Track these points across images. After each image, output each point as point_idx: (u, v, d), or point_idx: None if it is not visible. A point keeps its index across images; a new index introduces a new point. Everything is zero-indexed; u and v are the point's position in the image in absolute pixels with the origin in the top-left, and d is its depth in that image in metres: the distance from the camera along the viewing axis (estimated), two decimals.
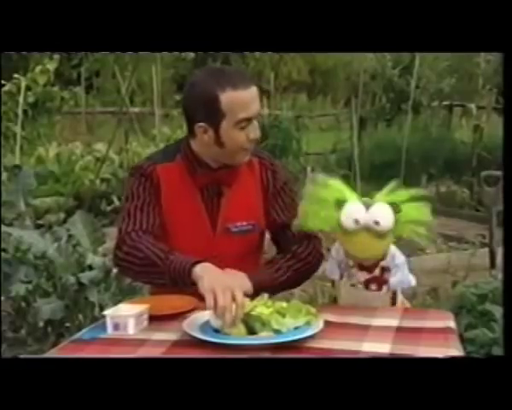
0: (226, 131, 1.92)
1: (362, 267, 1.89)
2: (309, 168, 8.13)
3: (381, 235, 1.79)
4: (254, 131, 1.93)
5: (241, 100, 1.88)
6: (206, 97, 1.90)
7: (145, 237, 1.94)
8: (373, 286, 1.89)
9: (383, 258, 1.88)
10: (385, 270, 1.89)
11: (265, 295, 1.87)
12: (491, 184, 4.87)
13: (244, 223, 2.01)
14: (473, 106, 10.01)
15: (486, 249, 4.97)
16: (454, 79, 11.60)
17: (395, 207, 1.80)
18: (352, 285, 1.90)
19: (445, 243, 6.35)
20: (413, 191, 1.82)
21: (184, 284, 1.84)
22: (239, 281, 1.82)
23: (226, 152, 1.96)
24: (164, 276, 1.88)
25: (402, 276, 1.90)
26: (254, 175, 2.06)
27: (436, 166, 9.17)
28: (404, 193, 1.83)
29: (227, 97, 1.88)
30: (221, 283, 1.70)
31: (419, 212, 1.81)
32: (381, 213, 1.79)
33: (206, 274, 1.78)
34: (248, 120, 1.91)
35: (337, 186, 1.86)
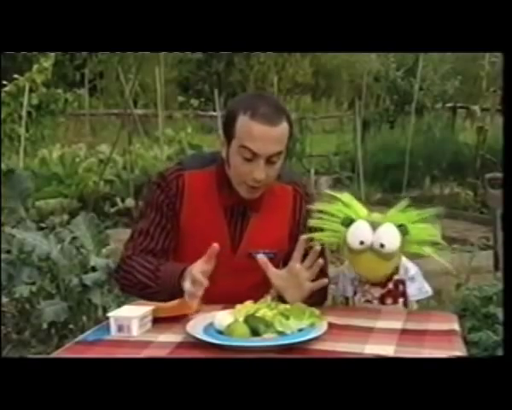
0: (233, 154, 1.88)
1: (374, 283, 1.87)
2: (312, 170, 8.13)
3: (386, 257, 1.77)
4: (259, 172, 1.84)
5: (251, 130, 1.82)
6: (229, 113, 1.91)
7: (136, 259, 1.95)
8: (388, 300, 1.87)
9: (394, 273, 1.86)
10: (399, 283, 1.87)
11: (268, 298, 1.87)
12: (495, 187, 4.86)
13: (267, 250, 1.95)
14: (477, 108, 10.01)
15: (490, 252, 4.96)
16: (458, 81, 11.60)
17: (403, 230, 1.77)
18: (367, 301, 1.89)
19: (448, 245, 6.34)
20: (423, 212, 1.79)
21: (178, 294, 1.83)
22: None
23: (232, 177, 1.92)
24: (160, 294, 1.89)
25: (419, 285, 1.88)
26: (287, 203, 2.01)
27: (440, 168, 9.17)
28: (414, 214, 1.80)
29: (242, 121, 1.84)
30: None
31: (428, 233, 1.79)
32: (386, 235, 1.76)
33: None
34: (252, 153, 1.83)
35: (347, 202, 1.83)
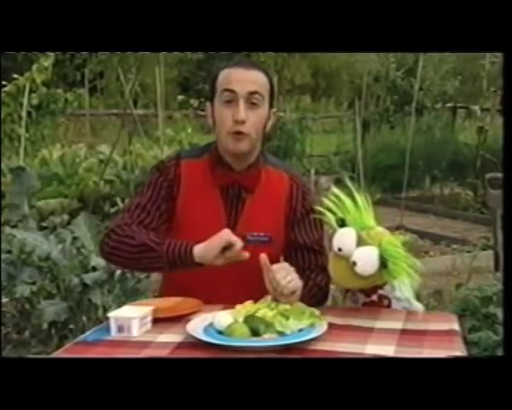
0: (216, 108, 1.97)
1: (360, 289, 1.86)
2: (312, 170, 8.13)
3: (358, 274, 1.74)
4: (239, 113, 1.91)
5: (229, 75, 1.95)
6: (213, 77, 2.02)
7: (137, 228, 1.96)
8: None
9: (381, 287, 1.84)
10: (383, 298, 1.85)
11: (268, 298, 1.87)
12: (495, 187, 4.85)
13: (261, 234, 1.95)
14: (477, 108, 10.02)
15: (490, 252, 4.96)
16: (458, 81, 11.61)
17: (383, 262, 1.73)
18: (354, 302, 1.89)
19: (448, 246, 6.34)
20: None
21: (184, 264, 1.85)
22: None
23: (219, 136, 1.98)
24: (161, 260, 1.88)
25: (406, 304, 1.85)
26: (282, 189, 2.03)
27: (440, 169, 9.17)
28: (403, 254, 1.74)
29: (221, 74, 1.98)
30: None
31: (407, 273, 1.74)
32: (364, 257, 1.73)
33: (208, 246, 1.83)
34: (231, 91, 1.92)
35: (361, 205, 1.81)
